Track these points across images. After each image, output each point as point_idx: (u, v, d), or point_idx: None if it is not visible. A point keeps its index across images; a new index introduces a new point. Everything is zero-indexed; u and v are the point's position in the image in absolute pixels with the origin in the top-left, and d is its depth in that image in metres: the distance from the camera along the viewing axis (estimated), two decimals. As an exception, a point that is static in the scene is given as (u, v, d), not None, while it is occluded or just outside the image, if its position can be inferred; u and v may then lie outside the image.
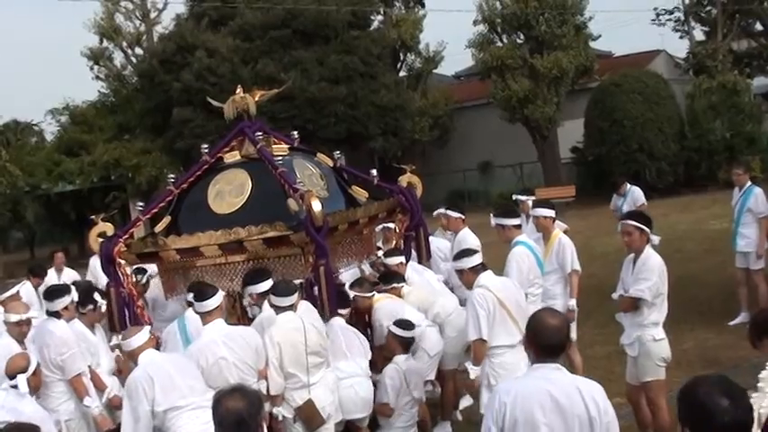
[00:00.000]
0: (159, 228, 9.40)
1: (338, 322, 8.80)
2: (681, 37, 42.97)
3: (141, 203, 10.04)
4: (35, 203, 37.70)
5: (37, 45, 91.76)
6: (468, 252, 8.73)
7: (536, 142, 37.29)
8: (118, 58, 43.92)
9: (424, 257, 10.98)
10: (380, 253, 10.87)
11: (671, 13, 42.62)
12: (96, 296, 9.28)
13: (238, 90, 10.01)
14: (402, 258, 10.43)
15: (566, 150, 38.40)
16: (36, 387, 7.20)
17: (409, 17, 41.45)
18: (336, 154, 10.63)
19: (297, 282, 8.44)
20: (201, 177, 9.56)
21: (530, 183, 35.43)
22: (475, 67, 40.30)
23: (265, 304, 8.36)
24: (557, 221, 10.91)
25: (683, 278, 14.17)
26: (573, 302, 10.33)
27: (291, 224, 8.54)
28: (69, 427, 8.46)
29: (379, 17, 41.32)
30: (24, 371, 6.96)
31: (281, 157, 9.36)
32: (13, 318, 8.30)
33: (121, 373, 9.17)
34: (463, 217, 12.37)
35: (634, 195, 15.87)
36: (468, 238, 12.02)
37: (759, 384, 6.22)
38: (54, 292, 8.99)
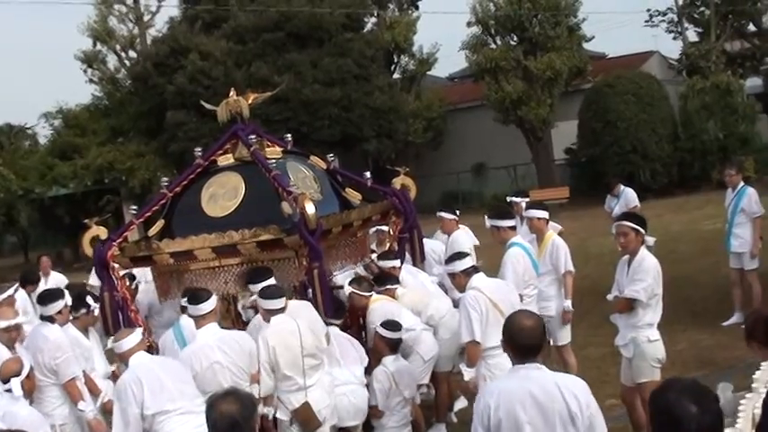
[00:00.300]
0: (153, 231, 9.39)
1: (333, 330, 8.79)
2: (674, 38, 43.03)
3: (135, 207, 10.05)
4: (29, 207, 37.59)
5: (30, 48, 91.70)
6: (459, 255, 8.74)
7: (530, 144, 37.32)
8: (111, 62, 43.89)
9: (419, 260, 10.97)
10: (374, 256, 10.86)
11: (664, 14, 42.64)
12: (89, 300, 9.26)
13: (232, 93, 10.00)
14: (396, 262, 10.41)
15: (559, 152, 38.45)
16: (30, 390, 7.18)
17: (403, 19, 41.47)
18: (330, 156, 10.62)
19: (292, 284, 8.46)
20: (195, 180, 9.56)
21: (523, 184, 35.43)
22: (468, 68, 40.33)
23: None
24: (552, 223, 10.93)
25: (677, 279, 14.17)
26: (568, 303, 10.34)
27: (285, 227, 8.54)
28: (64, 431, 8.45)
29: (373, 19, 41.32)
30: (18, 374, 6.94)
31: (274, 160, 9.35)
32: (2, 324, 8.29)
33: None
34: (457, 218, 12.38)
35: (627, 197, 15.88)
36: (461, 239, 12.02)
37: (753, 385, 6.25)
38: (47, 297, 8.96)
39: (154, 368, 7.29)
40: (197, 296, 8.09)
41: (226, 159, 9.73)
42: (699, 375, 10.34)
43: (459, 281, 8.44)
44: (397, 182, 10.92)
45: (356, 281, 9.64)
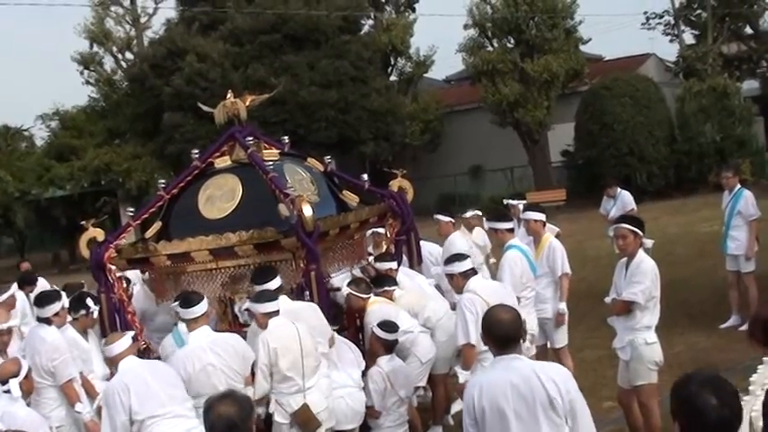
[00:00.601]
0: (150, 233, 9.37)
1: (331, 334, 8.79)
2: (671, 40, 43.18)
3: (132, 209, 10.02)
4: (25, 209, 37.60)
5: (27, 50, 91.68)
6: (458, 257, 8.75)
7: (526, 146, 37.38)
8: (108, 63, 44.03)
9: (416, 262, 10.96)
10: (371, 258, 10.85)
11: (661, 16, 42.78)
12: (89, 302, 9.25)
13: (229, 95, 9.98)
14: (393, 264, 10.39)
15: (556, 154, 38.50)
16: (28, 391, 7.20)
17: (400, 21, 41.48)
18: (327, 158, 10.61)
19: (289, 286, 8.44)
20: (192, 182, 9.54)
21: (520, 186, 35.49)
22: (465, 71, 40.37)
23: None
24: (549, 225, 10.92)
25: (674, 281, 14.17)
26: (563, 306, 10.34)
27: (282, 229, 8.52)
28: (60, 433, 8.44)
29: (370, 21, 41.42)
30: (16, 375, 6.96)
31: (271, 162, 9.34)
32: None
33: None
34: (453, 221, 12.39)
35: (624, 200, 15.85)
36: (457, 242, 12.03)
37: (750, 387, 6.25)
38: (44, 299, 8.94)
39: (142, 373, 7.29)
40: (188, 300, 8.09)
41: (223, 161, 9.71)
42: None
43: (458, 282, 8.44)
44: (395, 184, 10.91)
45: (354, 282, 9.62)
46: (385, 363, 8.86)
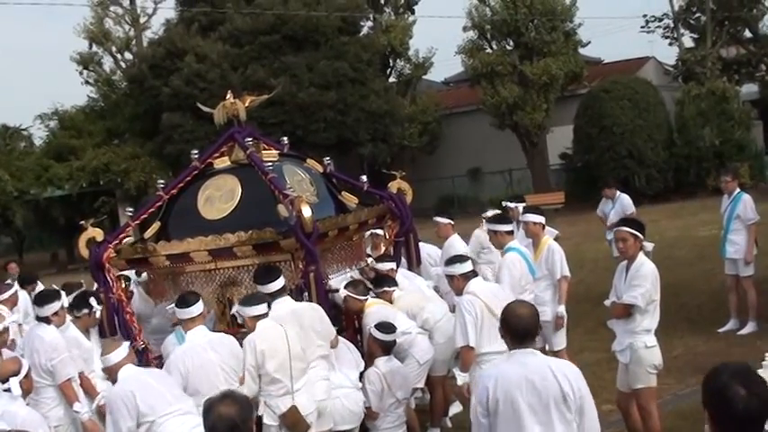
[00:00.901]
0: (149, 233, 9.36)
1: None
2: (670, 44, 43.14)
3: (131, 209, 10.01)
4: (24, 208, 37.54)
5: (26, 50, 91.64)
6: (460, 258, 8.74)
7: (525, 149, 37.40)
8: (107, 63, 44.04)
9: (414, 264, 10.95)
10: (369, 260, 10.84)
11: (660, 20, 42.70)
12: (92, 301, 9.24)
13: (229, 95, 9.96)
14: (392, 265, 10.39)
15: (555, 157, 38.51)
16: (28, 390, 7.20)
17: (399, 23, 41.47)
18: (326, 160, 10.60)
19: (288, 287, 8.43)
20: (191, 183, 9.53)
21: (519, 189, 35.44)
22: (464, 73, 40.43)
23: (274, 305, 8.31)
24: (549, 228, 10.91)
25: (673, 285, 14.16)
26: (562, 309, 10.33)
27: (281, 230, 8.51)
28: (58, 432, 8.43)
29: (369, 23, 41.41)
30: (17, 374, 6.96)
31: (270, 163, 9.33)
32: None
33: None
34: (452, 223, 12.38)
35: (623, 203, 15.81)
36: (457, 244, 12.02)
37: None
38: (44, 298, 8.94)
39: (144, 378, 7.32)
40: (185, 300, 8.13)
41: (222, 162, 9.71)
42: (694, 382, 10.34)
43: (458, 284, 8.43)
44: (394, 186, 10.90)
45: (352, 284, 9.62)
46: (383, 364, 8.86)
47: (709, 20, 39.12)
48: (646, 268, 8.26)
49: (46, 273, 27.48)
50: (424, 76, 43.85)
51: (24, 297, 12.37)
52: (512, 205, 12.98)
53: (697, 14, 41.17)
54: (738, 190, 13.26)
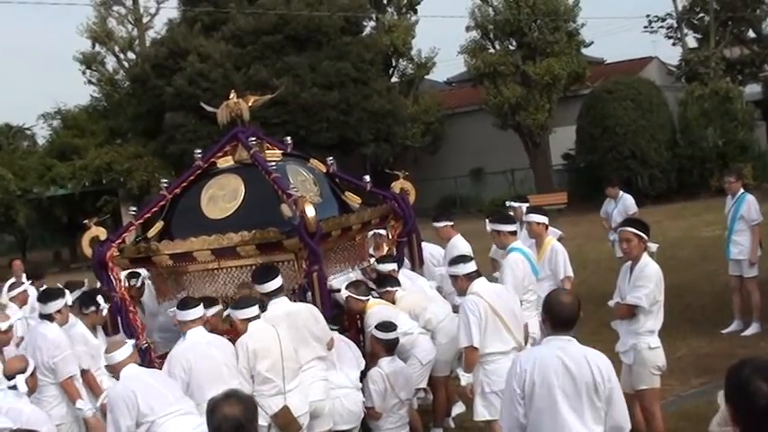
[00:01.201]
0: (152, 233, 9.36)
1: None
2: (673, 44, 43.10)
3: (134, 208, 10.02)
4: (27, 207, 37.55)
5: (29, 49, 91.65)
6: (464, 258, 8.70)
7: (528, 149, 37.38)
8: (110, 63, 44.06)
9: (417, 264, 10.94)
10: (372, 260, 10.82)
11: (663, 20, 42.67)
12: (99, 298, 9.23)
13: (232, 95, 9.97)
14: (393, 266, 10.38)
15: (557, 157, 38.49)
16: (33, 388, 7.25)
17: (401, 23, 41.45)
18: (329, 160, 10.60)
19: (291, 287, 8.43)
20: (195, 182, 9.53)
21: (521, 189, 35.44)
22: (467, 73, 40.39)
23: (270, 305, 8.31)
24: (552, 228, 10.88)
25: (676, 286, 14.12)
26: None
27: (285, 230, 8.51)
28: (61, 431, 8.41)
29: (372, 23, 41.34)
30: (23, 372, 7.00)
31: (274, 163, 9.34)
32: None
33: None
34: (452, 224, 12.31)
35: (626, 204, 15.77)
36: (460, 244, 11.98)
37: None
38: (47, 295, 8.96)
39: (146, 378, 7.37)
40: (185, 302, 8.23)
41: (225, 161, 9.71)
42: (698, 383, 10.34)
43: (462, 284, 8.38)
44: (397, 186, 10.90)
45: (353, 284, 9.60)
46: (386, 364, 8.86)
47: (713, 20, 39.10)
48: (650, 269, 8.24)
49: (49, 271, 27.44)
50: (426, 76, 43.84)
51: (34, 293, 12.39)
52: (515, 205, 12.93)
53: (700, 14, 41.13)
54: (742, 191, 13.22)
